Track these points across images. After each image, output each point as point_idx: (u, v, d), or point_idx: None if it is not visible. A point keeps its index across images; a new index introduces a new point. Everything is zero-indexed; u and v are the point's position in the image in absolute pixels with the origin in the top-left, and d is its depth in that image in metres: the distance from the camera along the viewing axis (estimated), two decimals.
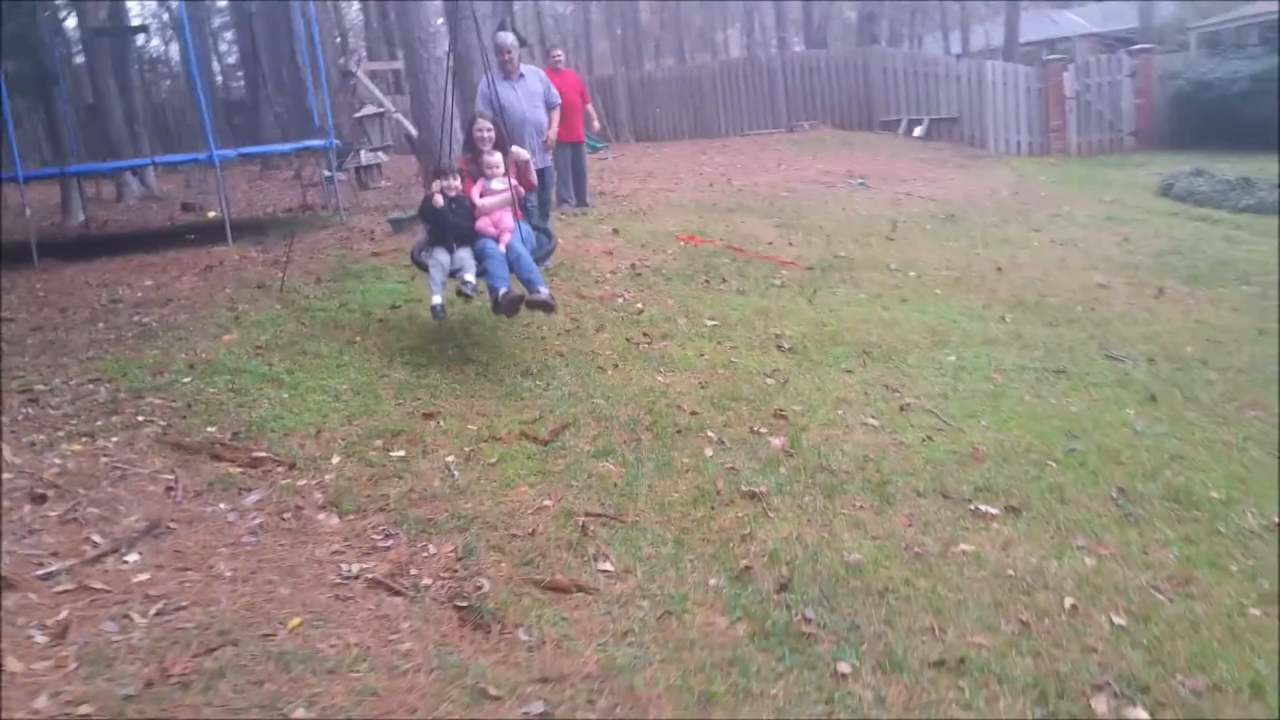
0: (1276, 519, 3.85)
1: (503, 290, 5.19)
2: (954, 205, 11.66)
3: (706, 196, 12.01)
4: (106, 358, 5.49)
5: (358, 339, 5.91)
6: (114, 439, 4.30)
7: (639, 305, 6.87)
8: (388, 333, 6.07)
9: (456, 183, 5.62)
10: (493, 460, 4.25)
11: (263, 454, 4.15)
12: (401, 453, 4.29)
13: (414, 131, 14.08)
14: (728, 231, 9.72)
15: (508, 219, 5.66)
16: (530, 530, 3.63)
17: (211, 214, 12.25)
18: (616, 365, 5.63)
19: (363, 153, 13.74)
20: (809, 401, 5.05)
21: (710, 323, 6.44)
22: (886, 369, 5.68)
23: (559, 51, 11.32)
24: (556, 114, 8.09)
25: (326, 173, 12.13)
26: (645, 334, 6.17)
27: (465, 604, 3.12)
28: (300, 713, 2.53)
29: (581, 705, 2.63)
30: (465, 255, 5.49)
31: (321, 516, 3.70)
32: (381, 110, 14.23)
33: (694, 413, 4.86)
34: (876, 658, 2.89)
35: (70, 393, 4.92)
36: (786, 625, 3.04)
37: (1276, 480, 4.23)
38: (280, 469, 4.06)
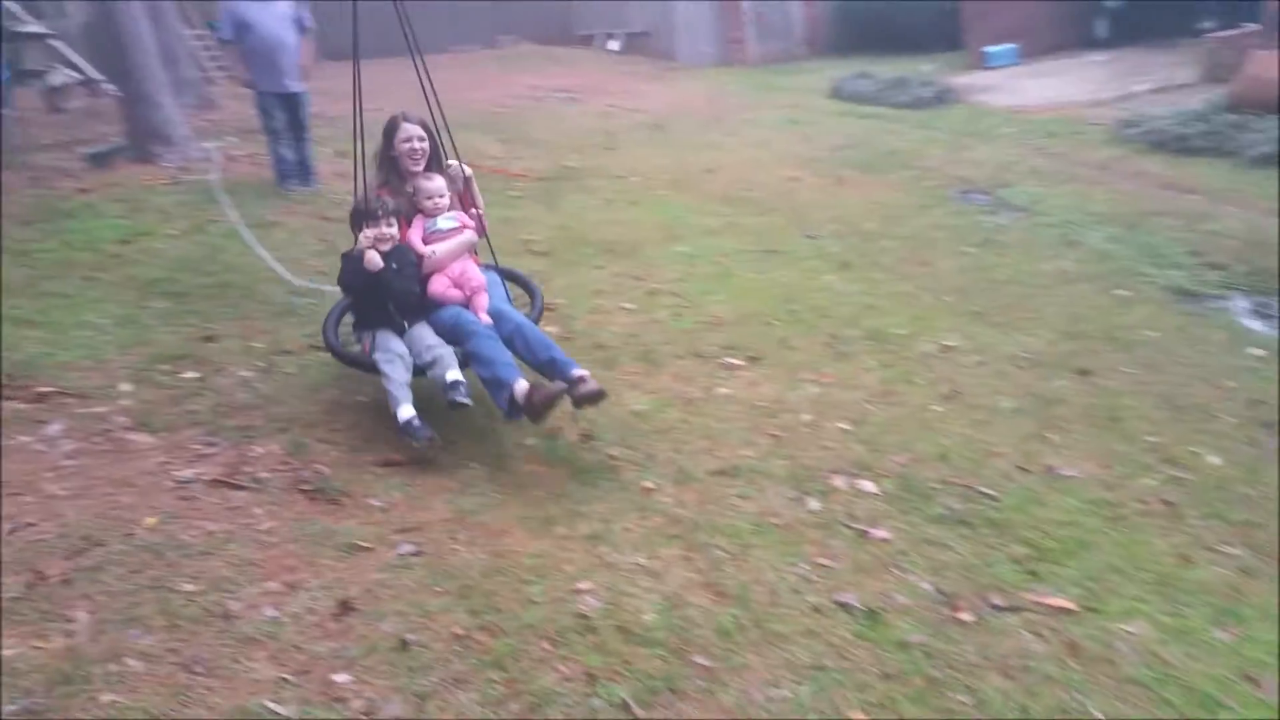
0: (942, 343, 4.96)
1: (518, 385, 3.57)
2: (658, 115, 12.54)
3: (428, 115, 12.05)
4: None
5: (98, 276, 5.70)
6: None
7: None
8: (128, 267, 5.89)
9: (394, 229, 3.88)
10: (292, 371, 4.45)
11: (48, 389, 4.09)
12: (194, 374, 4.37)
13: (85, 67, 12.79)
14: (453, 148, 9.94)
15: (474, 271, 4.03)
16: (353, 423, 3.94)
17: None
18: None
19: (51, 75, 12.37)
20: (571, 295, 5.61)
21: None
22: (631, 262, 6.35)
23: None
24: (310, 41, 7.78)
25: None
26: None
27: (310, 487, 3.42)
28: (189, 585, 2.78)
29: (446, 540, 3.09)
30: (430, 339, 3.77)
31: (134, 436, 3.78)
32: (45, 33, 12.78)
33: None
34: (672, 475, 3.57)
35: None
36: (597, 463, 3.64)
37: (945, 317, 5.38)
38: (71, 400, 4.04)
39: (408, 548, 3.04)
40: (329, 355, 4.12)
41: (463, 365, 3.72)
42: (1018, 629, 2.72)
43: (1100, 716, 2.39)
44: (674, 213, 7.69)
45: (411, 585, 2.85)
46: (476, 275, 4.00)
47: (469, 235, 4.07)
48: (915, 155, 9.65)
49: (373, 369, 3.75)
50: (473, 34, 20.91)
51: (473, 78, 16.02)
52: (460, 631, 2.64)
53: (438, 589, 2.84)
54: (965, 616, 2.77)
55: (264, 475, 3.51)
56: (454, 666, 2.50)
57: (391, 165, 4.08)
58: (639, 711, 2.39)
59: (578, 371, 3.64)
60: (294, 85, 7.51)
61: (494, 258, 4.36)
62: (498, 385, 3.62)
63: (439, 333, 3.81)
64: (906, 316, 5.36)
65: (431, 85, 3.90)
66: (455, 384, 3.61)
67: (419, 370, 3.73)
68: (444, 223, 4.02)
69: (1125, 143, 9.69)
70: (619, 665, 2.54)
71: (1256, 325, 5.44)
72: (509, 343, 3.77)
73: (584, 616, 2.73)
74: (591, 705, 2.39)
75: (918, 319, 5.31)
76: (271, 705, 2.34)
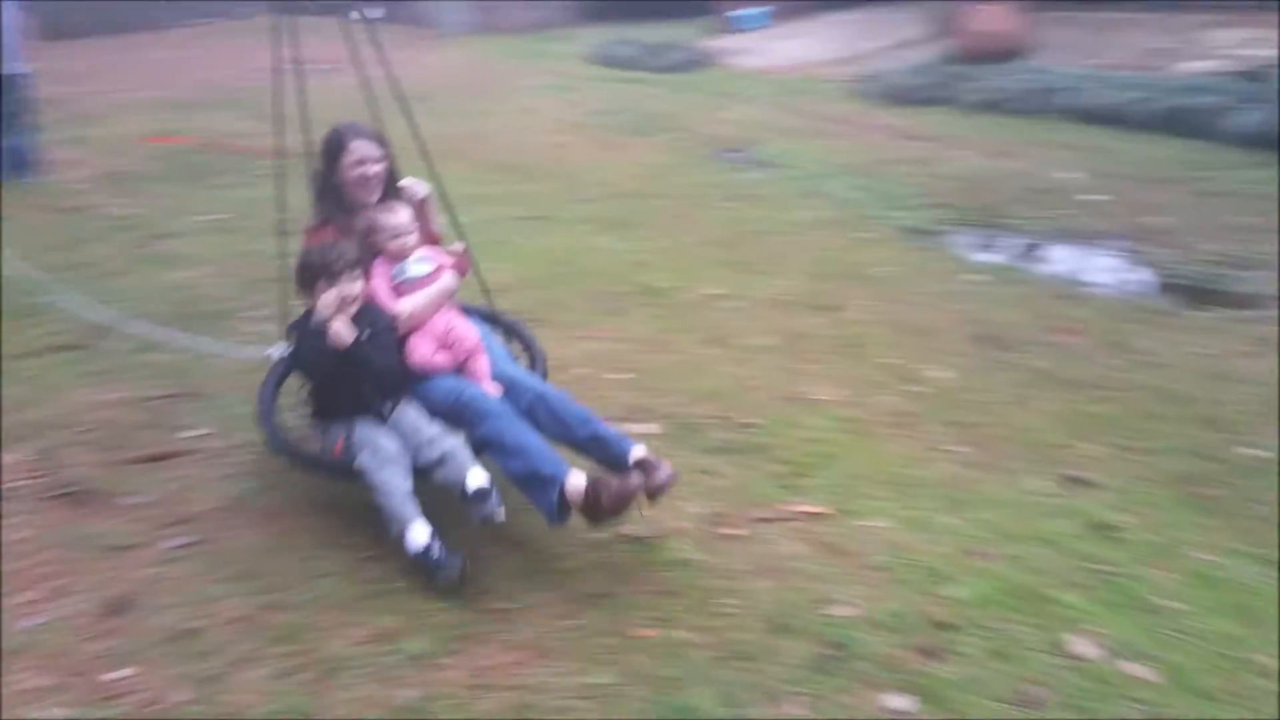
0: (706, 292, 5.25)
1: (571, 481, 2.69)
2: (423, 85, 12.27)
3: (166, 94, 11.33)
4: None
5: None
6: None
7: (133, 211, 6.63)
8: None
9: (359, 285, 2.91)
10: (32, 374, 4.14)
11: None
12: None
13: None
14: (200, 128, 9.46)
15: (465, 326, 3.11)
16: (104, 421, 3.72)
17: None
18: (128, 272, 5.53)
19: None
20: None
21: (221, 216, 6.46)
22: None
23: None
24: (23, 15, 7.03)
25: None
26: (151, 236, 6.08)
27: (67, 491, 3.22)
28: None
29: (223, 528, 3.01)
30: (427, 429, 2.86)
31: None
32: None
33: (230, 298, 5.06)
34: None
35: None
36: None
37: (708, 268, 5.68)
38: None
39: (181, 540, 2.94)
40: (68, 348, 3.84)
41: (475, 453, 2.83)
42: (780, 537, 2.99)
43: (860, 606, 2.70)
44: (445, 183, 7.61)
45: (188, 576, 2.77)
46: (469, 332, 3.09)
47: (449, 279, 3.12)
48: (675, 118, 10.00)
49: (353, 476, 2.81)
50: (207, 8, 19.48)
51: (220, 53, 15.09)
52: (245, 613, 2.61)
53: (217, 576, 2.77)
54: (734, 532, 3.02)
55: (13, 484, 3.28)
56: (241, 647, 2.47)
57: (336, 196, 3.18)
58: (440, 660, 2.46)
59: (639, 451, 2.81)
60: (10, 66, 6.84)
61: (488, 299, 3.61)
62: (539, 483, 2.71)
63: (437, 416, 2.91)
64: (673, 270, 5.61)
65: (389, 71, 3.28)
66: (481, 493, 2.70)
67: (419, 470, 2.81)
68: (415, 267, 3.10)
69: (864, 97, 10.48)
70: (415, 622, 2.59)
71: (979, 255, 6.09)
72: (530, 418, 2.89)
73: (376, 582, 2.76)
74: (387, 662, 2.44)
75: (683, 272, 5.58)
76: (42, 715, 2.24)
